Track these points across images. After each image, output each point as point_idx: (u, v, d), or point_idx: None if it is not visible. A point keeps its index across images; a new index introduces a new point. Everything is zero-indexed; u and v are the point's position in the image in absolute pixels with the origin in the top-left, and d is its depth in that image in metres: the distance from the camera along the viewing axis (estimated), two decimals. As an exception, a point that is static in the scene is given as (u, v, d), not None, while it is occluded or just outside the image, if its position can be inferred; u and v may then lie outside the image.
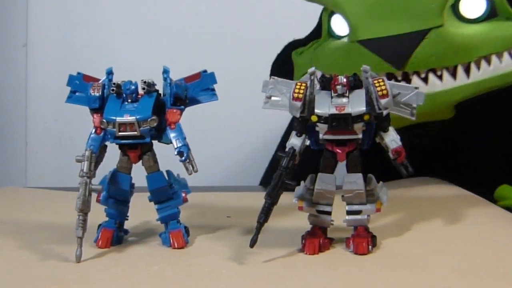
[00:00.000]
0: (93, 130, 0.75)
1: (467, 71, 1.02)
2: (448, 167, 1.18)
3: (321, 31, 1.16)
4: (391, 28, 0.98)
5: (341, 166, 0.74)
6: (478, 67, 1.03)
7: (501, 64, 1.04)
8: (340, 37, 1.09)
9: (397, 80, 1.00)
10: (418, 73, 1.01)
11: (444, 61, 1.00)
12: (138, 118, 0.73)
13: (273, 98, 0.73)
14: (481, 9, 1.04)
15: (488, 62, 1.03)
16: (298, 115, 0.71)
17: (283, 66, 1.25)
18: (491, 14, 1.04)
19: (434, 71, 1.01)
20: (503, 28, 1.04)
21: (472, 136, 1.13)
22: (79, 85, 0.77)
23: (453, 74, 1.02)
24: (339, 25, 1.09)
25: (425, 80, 1.01)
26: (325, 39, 1.13)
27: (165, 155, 0.77)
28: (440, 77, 1.01)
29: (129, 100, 0.75)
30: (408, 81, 1.01)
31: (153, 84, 0.75)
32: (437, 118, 1.07)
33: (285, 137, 1.37)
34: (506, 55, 1.04)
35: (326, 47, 1.11)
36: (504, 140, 1.14)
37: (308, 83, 0.71)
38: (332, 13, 1.11)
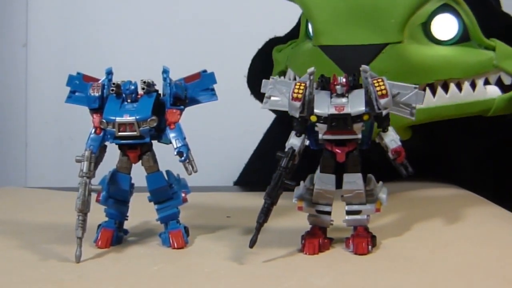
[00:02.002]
0: (93, 130, 0.75)
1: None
2: (448, 167, 1.19)
3: (299, 31, 1.15)
4: (352, 37, 0.97)
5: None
6: (434, 93, 1.00)
7: (460, 94, 1.00)
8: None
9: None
10: None
11: (399, 79, 0.96)
12: (138, 118, 0.73)
13: (272, 98, 0.73)
14: (452, 31, 1.01)
15: (446, 89, 1.00)
16: (297, 115, 0.71)
17: (264, 61, 1.25)
18: (463, 38, 1.02)
19: None
20: (471, 54, 1.01)
21: (471, 136, 1.13)
22: (78, 85, 0.77)
23: None
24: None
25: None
26: (302, 39, 1.12)
27: (165, 155, 0.77)
28: None
29: (129, 100, 0.75)
30: None
31: (153, 84, 0.75)
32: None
33: (267, 134, 1.38)
34: (466, 84, 1.01)
35: (300, 47, 1.10)
36: (504, 140, 1.14)
37: (308, 83, 0.71)
38: None
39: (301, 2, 1.04)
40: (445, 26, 1.02)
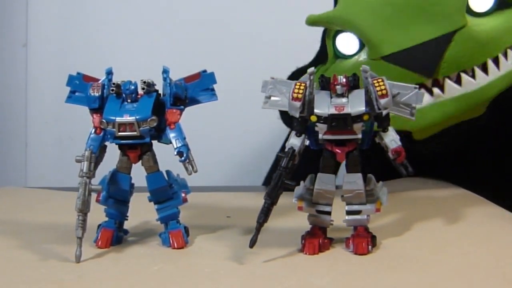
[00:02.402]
0: (93, 130, 0.75)
1: (496, 63, 1.00)
2: (448, 167, 1.19)
3: (323, 56, 1.12)
4: (414, 37, 0.95)
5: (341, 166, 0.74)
6: (506, 57, 1.00)
7: (508, 62, 1.01)
8: (348, 56, 1.05)
9: (427, 89, 0.98)
10: (448, 77, 0.99)
11: (474, 60, 0.98)
12: (138, 118, 0.73)
13: (272, 98, 0.73)
14: (490, 1, 1.02)
15: (495, 63, 1.01)
16: (297, 115, 0.71)
17: None
18: (501, 5, 1.02)
19: (464, 71, 0.99)
20: None
21: (472, 136, 1.13)
22: (78, 85, 0.77)
23: (484, 70, 0.99)
24: (346, 45, 1.05)
25: (458, 82, 0.98)
26: (332, 61, 1.08)
27: (165, 155, 0.77)
28: (472, 76, 0.99)
29: (129, 100, 0.75)
30: (440, 87, 0.99)
31: (153, 84, 0.75)
32: (470, 116, 1.03)
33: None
34: (509, 51, 1.02)
35: (335, 69, 1.06)
36: (503, 139, 1.14)
37: (308, 83, 0.71)
38: (336, 34, 1.06)
39: (340, 21, 1.00)
40: None
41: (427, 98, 0.98)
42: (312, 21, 1.03)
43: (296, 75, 1.23)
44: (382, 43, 0.97)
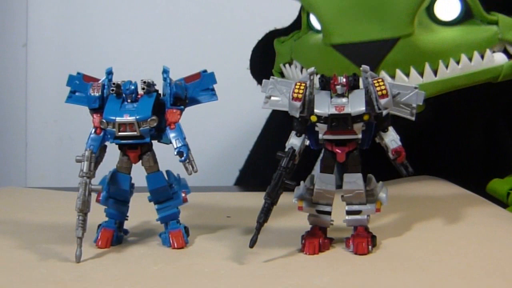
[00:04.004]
0: (93, 130, 0.75)
1: (435, 71, 1.01)
2: (448, 167, 1.19)
3: (300, 24, 1.16)
4: (362, 33, 0.98)
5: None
6: (447, 66, 1.02)
7: (471, 63, 1.03)
8: (318, 31, 1.09)
9: None
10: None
11: (414, 64, 1.00)
12: (138, 118, 0.73)
13: (272, 98, 0.73)
14: (455, 11, 1.04)
15: (458, 61, 1.03)
16: (297, 115, 0.71)
17: (264, 53, 1.25)
18: (466, 16, 1.04)
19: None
20: (476, 32, 1.03)
21: (472, 136, 1.13)
22: (79, 85, 0.77)
23: (421, 73, 1.01)
24: (317, 21, 1.09)
25: (392, 76, 1.00)
26: (305, 31, 1.13)
27: (165, 155, 0.77)
28: (407, 74, 1.01)
29: (129, 100, 0.75)
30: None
31: (153, 84, 0.75)
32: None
33: (263, 133, 1.39)
34: (476, 54, 1.03)
35: (305, 40, 1.11)
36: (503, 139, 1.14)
37: (308, 83, 0.71)
38: None
39: (306, 2, 1.05)
40: (448, 7, 1.04)
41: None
42: None
43: (269, 36, 1.26)
44: (334, 32, 1.00)
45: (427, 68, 1.01)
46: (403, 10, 0.97)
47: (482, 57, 1.03)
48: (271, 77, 0.74)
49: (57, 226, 0.86)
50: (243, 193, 1.13)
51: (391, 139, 0.72)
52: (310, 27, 1.12)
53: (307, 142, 0.73)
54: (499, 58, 1.05)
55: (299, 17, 1.20)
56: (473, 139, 1.19)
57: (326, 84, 0.72)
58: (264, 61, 1.23)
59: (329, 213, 0.74)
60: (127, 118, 0.73)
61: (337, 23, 0.99)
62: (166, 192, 0.77)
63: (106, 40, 1.72)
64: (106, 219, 0.77)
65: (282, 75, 1.18)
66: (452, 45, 1.02)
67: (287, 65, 1.16)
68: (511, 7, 1.08)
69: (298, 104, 0.70)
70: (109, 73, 0.77)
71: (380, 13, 0.97)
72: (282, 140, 0.73)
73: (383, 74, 0.99)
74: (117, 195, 0.77)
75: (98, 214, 0.76)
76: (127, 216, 0.79)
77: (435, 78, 1.01)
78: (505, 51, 1.06)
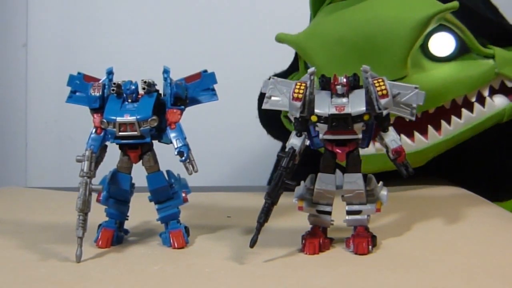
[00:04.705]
0: (93, 130, 0.75)
1: (437, 128, 1.03)
2: (448, 167, 1.19)
3: (297, 64, 1.16)
4: None
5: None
6: (449, 122, 1.03)
7: (473, 115, 1.04)
8: None
9: None
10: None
11: None
12: (138, 118, 0.73)
13: (273, 98, 0.73)
14: (450, 46, 1.04)
15: (458, 114, 1.04)
16: (298, 115, 0.71)
17: None
18: (462, 50, 1.04)
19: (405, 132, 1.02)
20: (473, 66, 1.03)
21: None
22: (79, 85, 0.77)
23: (424, 135, 1.02)
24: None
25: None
26: (303, 72, 1.12)
27: (165, 155, 0.77)
28: (412, 138, 1.02)
29: (129, 100, 0.75)
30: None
31: (153, 84, 0.75)
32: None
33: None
34: (477, 105, 1.04)
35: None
36: (503, 139, 1.14)
37: (308, 83, 0.71)
38: None
39: (299, 48, 1.05)
40: (442, 43, 1.04)
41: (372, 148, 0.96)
42: (279, 39, 1.08)
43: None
44: None
45: (431, 130, 1.02)
46: (396, 54, 0.97)
47: (482, 103, 1.04)
48: (271, 77, 0.74)
49: (57, 226, 0.86)
50: (243, 193, 1.13)
51: (391, 139, 0.72)
52: (307, 70, 1.11)
53: (308, 142, 0.73)
54: (500, 102, 1.06)
55: (295, 60, 1.21)
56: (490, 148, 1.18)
57: (327, 84, 0.72)
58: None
59: (329, 213, 0.74)
60: (128, 118, 0.73)
61: (331, 69, 0.98)
62: (166, 192, 0.77)
63: (107, 40, 1.72)
64: (107, 219, 0.77)
65: (288, 118, 1.17)
66: (448, 83, 1.02)
67: None
68: (508, 38, 1.08)
69: (298, 104, 0.70)
70: (110, 73, 0.77)
71: (372, 59, 0.95)
72: None
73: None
74: (117, 195, 0.77)
75: (98, 214, 0.76)
76: (128, 216, 0.79)
77: (440, 137, 1.02)
78: (502, 87, 1.05)
